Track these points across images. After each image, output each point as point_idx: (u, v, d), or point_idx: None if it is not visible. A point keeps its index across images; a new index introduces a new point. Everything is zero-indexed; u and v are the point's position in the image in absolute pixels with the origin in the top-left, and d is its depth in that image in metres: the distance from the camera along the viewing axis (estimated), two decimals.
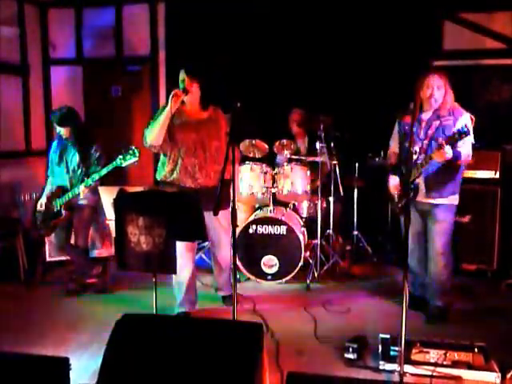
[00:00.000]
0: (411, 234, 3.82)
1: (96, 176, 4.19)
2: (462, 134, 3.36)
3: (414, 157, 3.70)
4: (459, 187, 3.85)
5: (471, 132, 3.60)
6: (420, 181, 3.75)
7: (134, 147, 4.03)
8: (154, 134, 3.70)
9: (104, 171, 4.16)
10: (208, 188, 3.77)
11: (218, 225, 3.94)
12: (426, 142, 3.71)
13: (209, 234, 3.99)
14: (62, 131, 4.42)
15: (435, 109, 3.72)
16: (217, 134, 3.88)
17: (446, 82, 3.70)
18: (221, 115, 3.98)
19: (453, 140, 3.41)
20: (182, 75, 3.78)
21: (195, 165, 3.81)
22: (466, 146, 3.62)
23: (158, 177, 3.94)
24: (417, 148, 3.73)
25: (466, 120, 3.64)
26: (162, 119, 3.64)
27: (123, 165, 4.07)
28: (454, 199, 3.83)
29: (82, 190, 4.23)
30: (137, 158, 4.02)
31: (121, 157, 4.03)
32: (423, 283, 4.05)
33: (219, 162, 3.71)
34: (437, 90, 3.67)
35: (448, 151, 3.46)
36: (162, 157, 3.92)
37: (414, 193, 3.72)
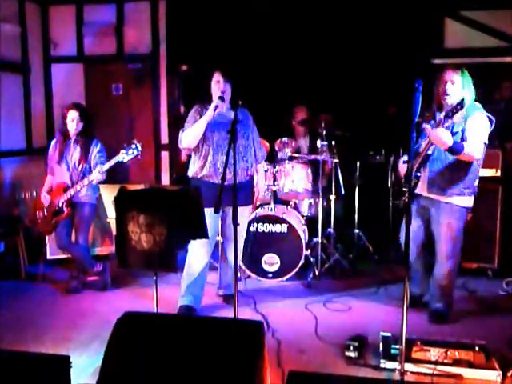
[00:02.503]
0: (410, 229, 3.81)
1: (99, 167, 4.23)
2: (457, 105, 3.28)
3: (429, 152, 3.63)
4: (472, 189, 3.70)
5: (482, 126, 3.52)
6: (424, 174, 3.67)
7: (136, 141, 4.13)
8: (191, 138, 3.91)
9: (107, 165, 4.21)
10: (236, 184, 3.81)
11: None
12: None
13: (225, 229, 4.18)
14: (73, 115, 4.42)
15: (451, 105, 3.53)
16: (245, 132, 4.03)
17: (464, 77, 3.60)
18: (248, 115, 4.16)
19: (448, 115, 3.34)
20: (218, 76, 3.93)
21: (223, 162, 3.87)
22: (473, 143, 3.50)
23: (190, 174, 4.09)
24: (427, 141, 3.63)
25: (475, 118, 3.52)
26: (202, 126, 3.84)
27: (125, 160, 4.13)
28: (462, 200, 3.69)
29: (95, 176, 4.23)
30: (139, 152, 4.12)
31: (123, 151, 4.11)
32: (422, 280, 4.05)
33: (246, 160, 4.01)
34: (451, 85, 3.59)
35: (443, 134, 3.38)
36: (193, 155, 4.08)
37: (415, 182, 3.57)
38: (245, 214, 4.09)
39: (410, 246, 3.80)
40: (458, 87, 3.58)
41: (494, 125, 3.62)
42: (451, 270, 3.82)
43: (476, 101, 3.68)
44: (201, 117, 3.89)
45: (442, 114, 3.47)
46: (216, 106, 3.82)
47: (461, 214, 3.72)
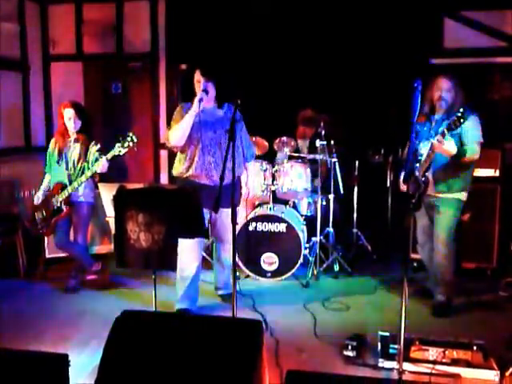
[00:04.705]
0: (420, 228, 4.16)
1: (101, 159, 4.23)
2: (459, 118, 3.38)
3: (424, 152, 3.81)
4: (468, 184, 3.95)
5: (477, 128, 3.74)
6: (429, 174, 3.84)
7: (130, 133, 4.13)
8: (179, 135, 3.82)
9: (109, 155, 4.19)
10: (223, 185, 3.77)
11: (225, 222, 3.94)
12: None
13: (216, 230, 4.09)
14: (69, 113, 4.41)
15: (446, 109, 3.85)
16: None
17: (456, 83, 3.85)
18: (237, 113, 3.99)
19: (451, 127, 3.45)
20: (198, 76, 3.87)
21: (211, 162, 3.87)
22: (472, 144, 3.75)
23: (175, 173, 4.03)
24: (426, 144, 3.82)
25: (472, 119, 3.71)
26: (189, 122, 3.77)
27: (122, 152, 4.14)
28: (463, 195, 3.94)
29: (101, 164, 4.20)
30: (135, 143, 4.11)
31: (119, 144, 4.11)
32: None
33: (233, 160, 3.82)
34: (446, 93, 3.83)
35: (449, 145, 3.58)
36: (178, 153, 4.00)
37: (425, 185, 3.80)
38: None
39: (423, 244, 4.17)
40: (453, 93, 3.84)
41: (481, 122, 3.86)
42: (447, 255, 3.98)
43: (473, 101, 3.87)
44: (186, 113, 3.81)
45: (445, 127, 3.54)
46: (201, 99, 3.75)
47: (460, 205, 3.97)
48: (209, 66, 3.97)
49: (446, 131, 3.51)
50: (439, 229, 3.96)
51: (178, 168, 3.98)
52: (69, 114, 4.43)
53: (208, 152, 3.86)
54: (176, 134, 3.83)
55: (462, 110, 3.47)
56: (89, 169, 4.34)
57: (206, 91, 3.79)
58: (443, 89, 3.83)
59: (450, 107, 3.83)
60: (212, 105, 3.95)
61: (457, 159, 3.72)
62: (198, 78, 3.87)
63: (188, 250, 3.84)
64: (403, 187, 3.95)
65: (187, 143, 3.88)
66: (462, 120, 3.39)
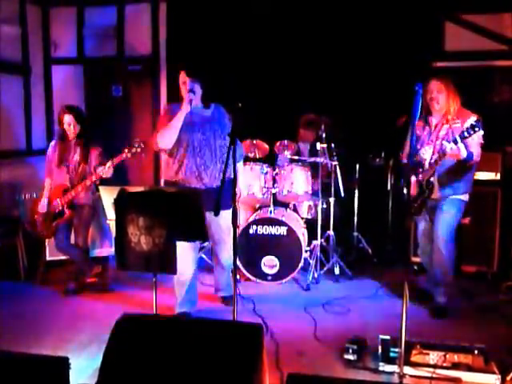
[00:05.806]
0: (421, 231, 4.18)
1: (109, 163, 4.21)
2: (474, 127, 3.45)
3: (427, 157, 3.85)
4: (471, 186, 3.99)
5: (481, 130, 3.71)
6: (434, 179, 3.86)
7: (138, 139, 4.13)
8: (168, 138, 3.77)
9: (116, 160, 4.18)
10: (214, 188, 3.76)
11: (221, 225, 3.94)
12: (438, 142, 3.84)
13: (212, 233, 4.04)
14: (68, 119, 4.41)
15: (443, 113, 3.88)
16: (221, 132, 3.90)
17: (448, 85, 3.87)
18: (223, 113, 4.02)
19: (465, 136, 3.51)
20: (183, 77, 3.83)
21: (201, 165, 3.84)
22: (475, 147, 3.76)
23: (164, 177, 4.00)
24: (428, 149, 3.88)
25: (473, 120, 3.72)
26: (178, 124, 3.73)
27: (129, 157, 4.14)
28: (466, 196, 3.98)
29: (106, 170, 4.20)
30: (142, 150, 4.11)
31: (126, 150, 4.12)
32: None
33: (223, 161, 3.80)
34: (437, 94, 3.87)
35: (462, 150, 3.61)
36: (167, 157, 3.96)
37: (429, 191, 3.84)
38: (226, 218, 3.67)
39: (423, 248, 4.19)
40: (445, 95, 3.88)
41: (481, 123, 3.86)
42: (448, 254, 3.98)
43: (473, 104, 3.93)
44: (174, 115, 3.77)
45: (457, 135, 3.59)
46: (190, 100, 3.73)
47: (462, 206, 4.00)
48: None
49: (458, 138, 3.54)
50: (440, 227, 3.96)
51: (167, 172, 3.95)
52: (68, 119, 4.43)
53: (197, 154, 3.82)
54: (165, 136, 3.78)
55: (475, 118, 3.59)
56: (91, 173, 4.34)
57: (193, 91, 3.77)
58: (434, 90, 3.87)
59: (445, 110, 3.87)
60: (199, 105, 3.91)
61: (464, 162, 3.74)
62: (184, 80, 3.83)
63: (184, 255, 3.77)
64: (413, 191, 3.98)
65: (175, 146, 3.83)
66: (476, 129, 3.45)
